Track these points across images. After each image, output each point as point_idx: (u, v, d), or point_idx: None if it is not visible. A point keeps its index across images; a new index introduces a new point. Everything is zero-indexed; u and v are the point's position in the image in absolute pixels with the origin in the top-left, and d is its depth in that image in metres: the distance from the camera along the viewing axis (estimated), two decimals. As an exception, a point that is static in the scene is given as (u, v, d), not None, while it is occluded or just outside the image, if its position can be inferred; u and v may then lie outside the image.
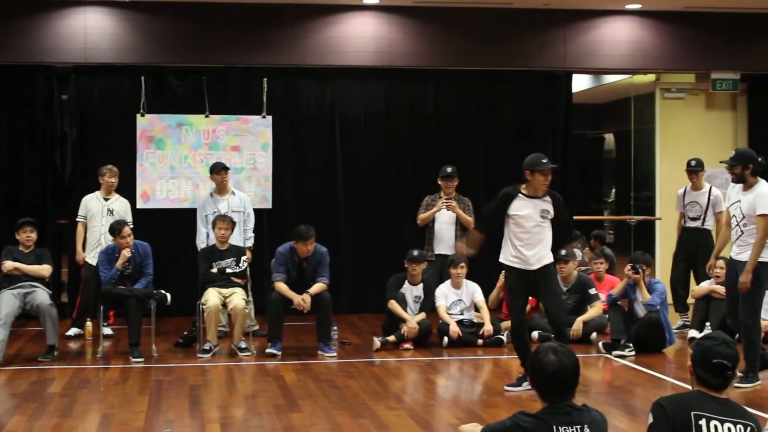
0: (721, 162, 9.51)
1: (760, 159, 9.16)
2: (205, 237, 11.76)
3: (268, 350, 10.55)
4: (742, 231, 9.05)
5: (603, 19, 14.13)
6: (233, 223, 11.24)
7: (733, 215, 9.20)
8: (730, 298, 9.33)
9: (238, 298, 10.68)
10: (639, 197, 15.49)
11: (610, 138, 18.09)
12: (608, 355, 10.59)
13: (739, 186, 9.12)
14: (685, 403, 4.30)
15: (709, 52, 14.40)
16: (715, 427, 4.22)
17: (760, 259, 8.89)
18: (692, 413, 4.24)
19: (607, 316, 11.22)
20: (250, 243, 11.88)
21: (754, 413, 4.58)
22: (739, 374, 8.59)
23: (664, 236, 14.50)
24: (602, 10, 14.04)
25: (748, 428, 4.25)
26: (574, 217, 14.55)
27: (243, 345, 10.69)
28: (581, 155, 16.45)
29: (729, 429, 4.22)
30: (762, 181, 9.02)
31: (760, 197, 8.91)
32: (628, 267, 10.91)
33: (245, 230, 11.87)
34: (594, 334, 11.30)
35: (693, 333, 11.31)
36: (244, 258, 11.11)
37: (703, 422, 4.23)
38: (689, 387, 4.56)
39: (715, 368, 4.31)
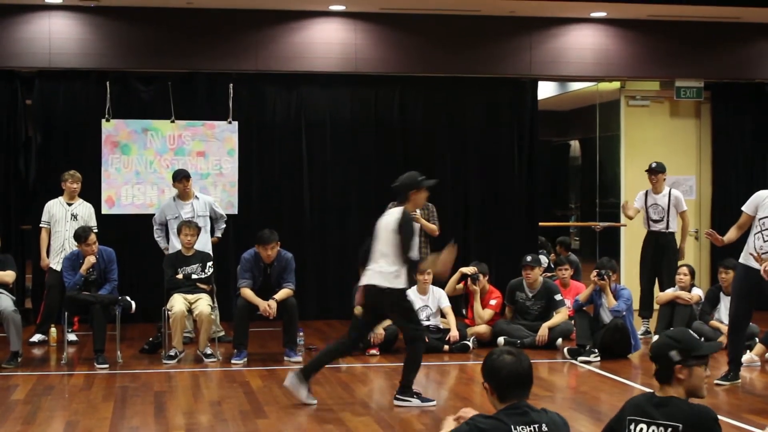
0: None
1: None
2: (161, 240, 11.83)
3: (233, 360, 10.50)
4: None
5: (569, 26, 14.21)
6: (198, 229, 11.20)
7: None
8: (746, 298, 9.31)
9: (203, 303, 10.64)
10: (604, 204, 15.58)
11: (575, 145, 18.19)
12: (573, 361, 10.63)
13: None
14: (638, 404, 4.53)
15: (674, 60, 14.51)
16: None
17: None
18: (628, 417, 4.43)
19: (572, 321, 11.26)
20: (219, 233, 11.93)
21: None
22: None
23: (629, 242, 14.61)
24: (568, 18, 14.13)
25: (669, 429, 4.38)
26: (541, 224, 14.69)
27: (209, 351, 10.65)
28: (547, 162, 16.52)
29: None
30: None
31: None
32: (594, 273, 10.96)
33: (217, 229, 11.85)
34: (559, 340, 11.34)
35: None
36: (209, 264, 11.07)
37: (632, 426, 4.45)
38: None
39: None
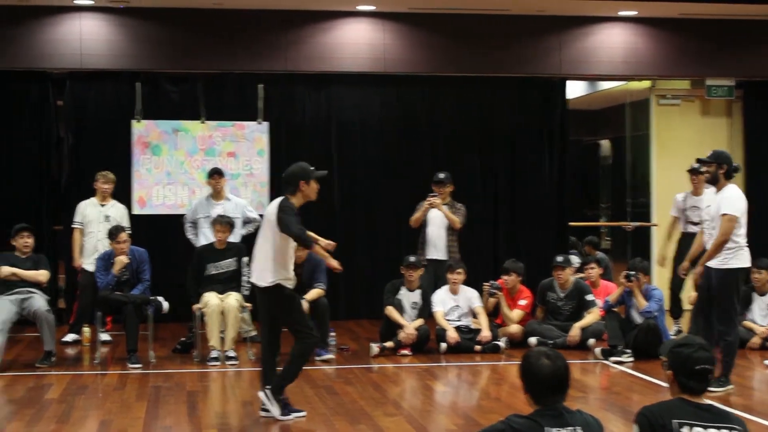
0: (697, 159, 9.58)
1: (734, 164, 9.22)
2: (194, 237, 11.89)
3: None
4: (712, 234, 9.12)
5: (598, 25, 14.16)
6: (231, 225, 11.19)
7: (706, 219, 9.29)
8: (700, 303, 9.41)
9: (232, 300, 10.60)
10: (635, 203, 15.51)
11: (605, 144, 18.10)
12: (606, 361, 10.59)
13: (712, 190, 9.22)
14: (667, 411, 4.34)
15: (704, 58, 14.43)
16: None
17: (731, 266, 9.00)
18: (674, 421, 4.29)
19: (604, 322, 11.22)
20: (243, 232, 11.89)
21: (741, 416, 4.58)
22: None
23: (661, 242, 14.50)
24: (597, 17, 14.07)
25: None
26: (571, 224, 14.63)
27: (232, 354, 10.58)
28: (577, 162, 16.46)
29: None
30: (732, 185, 9.10)
31: (726, 199, 9.01)
32: (623, 275, 10.92)
33: (252, 225, 11.81)
34: (591, 340, 11.28)
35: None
36: (245, 259, 10.95)
37: (686, 429, 4.28)
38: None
39: (698, 374, 4.38)
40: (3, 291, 10.43)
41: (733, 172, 9.18)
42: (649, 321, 10.68)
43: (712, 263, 9.11)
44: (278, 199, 8.13)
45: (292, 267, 8.17)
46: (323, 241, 8.33)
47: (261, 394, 8.11)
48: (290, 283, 8.11)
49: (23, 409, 8.41)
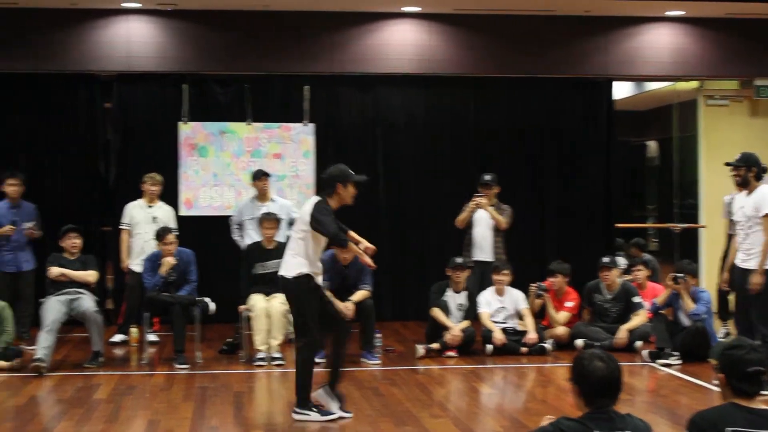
0: (725, 164, 9.54)
1: (763, 165, 9.18)
2: (240, 240, 11.97)
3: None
4: (747, 234, 9.07)
5: (645, 25, 14.04)
6: (279, 221, 11.23)
7: (738, 221, 9.24)
8: (740, 305, 9.34)
9: (277, 302, 10.63)
10: (683, 205, 15.40)
11: (652, 145, 18.00)
12: (653, 364, 10.51)
13: (743, 193, 9.18)
14: (719, 417, 4.28)
15: (753, 58, 14.28)
16: None
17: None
18: (728, 429, 4.23)
19: (651, 324, 11.13)
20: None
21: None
22: None
23: (709, 244, 14.41)
24: (644, 17, 13.96)
25: None
26: (618, 225, 14.54)
27: (278, 354, 10.58)
28: (624, 163, 16.37)
29: None
30: (763, 185, 9.05)
31: (763, 198, 8.95)
32: (670, 278, 10.84)
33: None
34: (639, 343, 11.21)
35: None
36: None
37: None
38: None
39: (750, 376, 4.33)
40: (52, 292, 10.54)
41: (762, 173, 9.14)
42: (697, 323, 10.59)
43: (749, 264, 9.06)
44: (314, 199, 8.18)
45: (320, 263, 8.25)
46: (364, 243, 8.33)
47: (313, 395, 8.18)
48: (319, 278, 8.18)
49: (72, 408, 8.49)
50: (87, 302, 10.45)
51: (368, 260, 8.22)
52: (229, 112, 13.73)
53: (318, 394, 8.16)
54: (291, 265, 8.06)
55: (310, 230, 7.96)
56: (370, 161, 14.00)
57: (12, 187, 11.69)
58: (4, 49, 13.06)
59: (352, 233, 8.39)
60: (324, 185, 8.23)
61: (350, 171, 8.24)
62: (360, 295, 10.73)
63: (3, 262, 11.59)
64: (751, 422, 4.24)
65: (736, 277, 9.39)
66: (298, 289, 8.05)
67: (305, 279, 8.00)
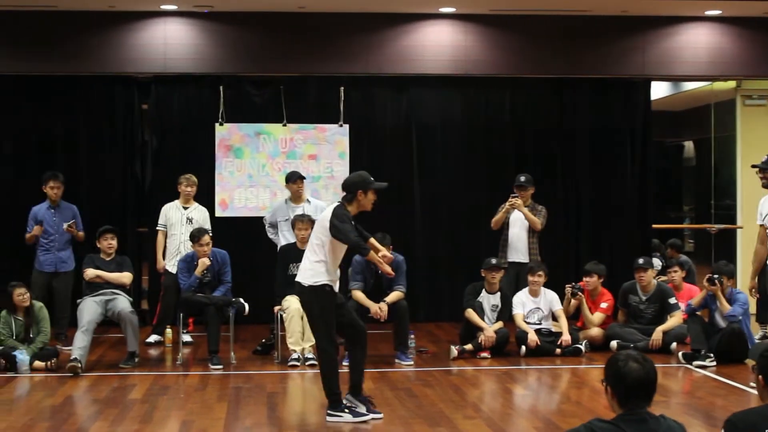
0: (752, 166, 9.45)
1: None
2: (275, 238, 12.00)
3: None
4: None
5: (682, 25, 13.96)
6: (313, 222, 11.24)
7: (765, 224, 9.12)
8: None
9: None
10: (719, 205, 15.29)
11: (689, 145, 17.89)
12: (689, 366, 10.45)
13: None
14: (757, 418, 4.23)
15: (792, 58, 14.17)
16: None
17: None
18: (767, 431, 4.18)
19: (686, 326, 11.06)
20: None
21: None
22: None
23: (746, 245, 14.27)
24: (681, 17, 13.87)
25: None
26: (654, 226, 14.46)
27: (311, 355, 10.53)
28: (660, 163, 16.28)
29: None
30: None
31: None
32: (707, 279, 10.76)
33: None
34: (674, 344, 11.14)
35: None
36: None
37: None
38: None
39: None
40: (88, 292, 10.62)
41: None
42: (734, 325, 10.50)
43: None
44: (333, 205, 8.19)
45: (338, 270, 8.25)
46: (383, 251, 8.38)
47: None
48: (336, 285, 8.19)
49: (107, 408, 8.55)
50: (122, 303, 10.52)
51: (387, 269, 8.23)
52: (264, 113, 13.78)
53: (346, 399, 8.17)
54: (308, 273, 8.06)
55: (329, 237, 7.98)
56: (404, 162, 14.01)
57: (53, 189, 11.80)
58: (43, 52, 13.18)
59: (373, 240, 8.40)
60: (344, 191, 8.21)
61: (371, 178, 8.19)
62: (394, 296, 10.74)
63: (41, 262, 11.72)
64: None
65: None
66: (313, 298, 8.07)
67: (321, 288, 8.01)
